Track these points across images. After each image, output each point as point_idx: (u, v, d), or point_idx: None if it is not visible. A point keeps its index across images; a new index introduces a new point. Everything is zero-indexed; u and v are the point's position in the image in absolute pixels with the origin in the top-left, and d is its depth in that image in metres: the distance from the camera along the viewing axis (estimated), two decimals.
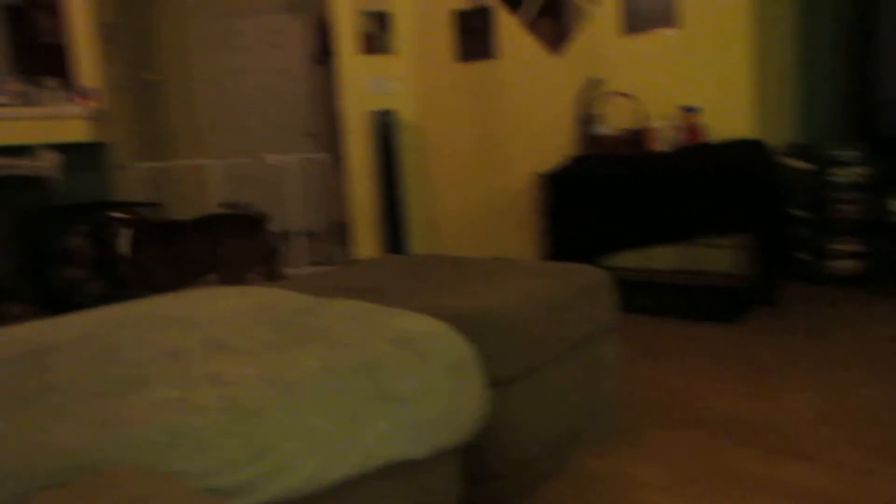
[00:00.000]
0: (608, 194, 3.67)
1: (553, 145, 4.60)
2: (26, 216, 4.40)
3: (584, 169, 3.95)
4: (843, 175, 3.85)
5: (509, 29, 4.84)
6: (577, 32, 4.54)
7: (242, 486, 1.22)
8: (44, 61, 5.73)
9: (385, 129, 5.08)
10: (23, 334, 1.87)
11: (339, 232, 6.00)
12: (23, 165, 4.41)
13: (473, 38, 4.99)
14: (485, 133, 5.08)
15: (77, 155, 4.75)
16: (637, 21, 4.27)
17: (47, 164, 4.41)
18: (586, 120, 4.38)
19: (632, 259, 4.23)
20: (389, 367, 1.50)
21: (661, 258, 4.31)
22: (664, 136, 3.99)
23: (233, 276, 3.56)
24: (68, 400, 1.35)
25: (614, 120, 4.29)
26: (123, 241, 3.37)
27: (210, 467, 1.19)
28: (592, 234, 3.66)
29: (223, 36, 7.35)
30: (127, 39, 6.25)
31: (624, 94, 4.22)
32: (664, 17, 4.16)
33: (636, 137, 4.04)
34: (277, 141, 7.01)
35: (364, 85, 5.26)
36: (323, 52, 6.90)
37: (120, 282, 3.55)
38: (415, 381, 1.52)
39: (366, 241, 5.42)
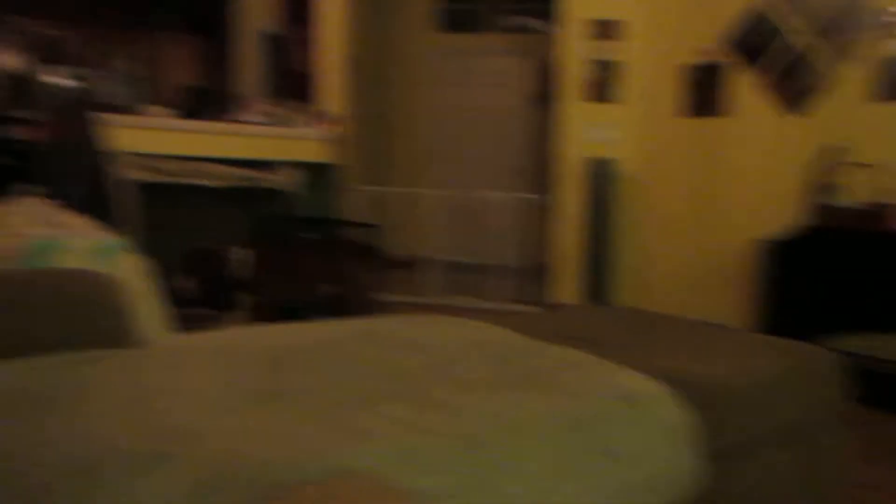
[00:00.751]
0: (842, 270, 3.42)
1: (778, 211, 4.36)
2: (259, 225, 4.87)
3: (815, 240, 3.71)
4: None
5: (742, 86, 4.68)
6: (819, 95, 4.29)
7: None
8: (294, 87, 6.33)
9: (600, 178, 5.08)
10: (259, 336, 2.06)
11: (539, 272, 6.05)
12: (266, 179, 4.88)
13: (703, 93, 4.88)
14: (704, 191, 4.92)
15: (312, 173, 5.18)
16: None
17: (287, 179, 4.85)
18: (820, 189, 4.12)
19: (865, 344, 3.89)
20: (609, 422, 1.50)
21: None
22: None
23: (357, 297, 3.74)
24: (307, 405, 1.47)
25: (853, 192, 4.00)
26: (242, 260, 3.58)
27: (434, 491, 1.25)
28: (818, 310, 3.42)
29: (449, 73, 7.73)
30: (365, 71, 6.75)
31: (868, 166, 3.92)
32: None
33: (878, 213, 3.73)
34: (490, 177, 7.23)
35: (583, 131, 5.30)
36: (543, 94, 7.04)
37: (231, 301, 3.76)
38: (633, 441, 1.51)
39: (565, 285, 5.42)
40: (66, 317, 1.65)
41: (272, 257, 3.64)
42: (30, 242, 2.35)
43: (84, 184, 3.95)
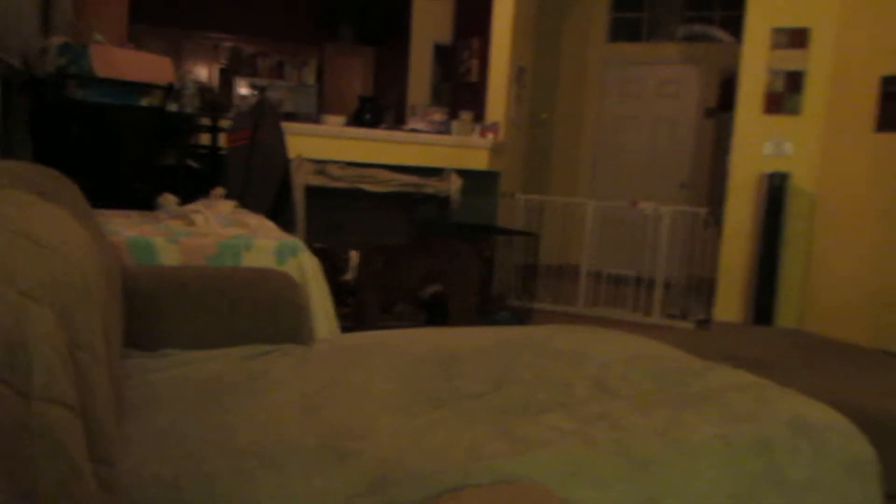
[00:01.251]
0: None
1: None
2: (421, 230, 5.02)
3: None
4: None
5: None
6: None
7: None
8: (463, 96, 6.48)
9: (775, 193, 4.82)
10: (424, 339, 2.12)
11: (699, 287, 5.81)
12: (432, 185, 5.02)
13: None
14: None
15: (474, 180, 5.28)
16: None
17: (451, 186, 4.97)
18: None
19: None
20: (784, 450, 1.43)
21: None
22: None
23: (459, 300, 3.84)
24: (477, 409, 1.51)
25: None
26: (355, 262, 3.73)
27: None
28: None
29: (617, 83, 7.61)
30: (531, 81, 6.78)
31: None
32: None
33: None
34: (654, 188, 7.03)
35: (760, 144, 5.05)
36: (719, 105, 6.77)
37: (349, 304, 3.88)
38: (809, 472, 1.43)
39: (728, 303, 5.17)
40: (256, 312, 1.79)
41: (380, 258, 3.82)
42: (220, 241, 2.57)
43: (267, 188, 4.25)
